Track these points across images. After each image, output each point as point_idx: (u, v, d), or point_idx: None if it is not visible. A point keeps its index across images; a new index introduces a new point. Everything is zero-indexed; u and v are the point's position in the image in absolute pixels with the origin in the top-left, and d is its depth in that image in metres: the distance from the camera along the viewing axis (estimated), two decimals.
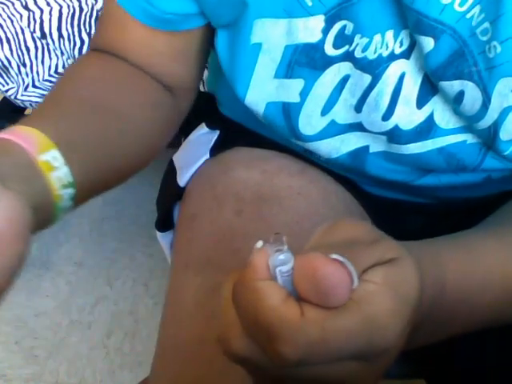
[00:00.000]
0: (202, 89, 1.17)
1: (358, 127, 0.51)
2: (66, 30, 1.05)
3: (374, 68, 0.47)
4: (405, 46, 0.46)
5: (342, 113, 0.50)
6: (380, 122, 0.49)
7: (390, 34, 0.45)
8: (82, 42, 1.05)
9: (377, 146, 0.52)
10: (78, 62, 0.57)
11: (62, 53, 1.06)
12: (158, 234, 0.66)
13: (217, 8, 0.48)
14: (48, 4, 1.06)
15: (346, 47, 0.47)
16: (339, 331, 0.29)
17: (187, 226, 0.58)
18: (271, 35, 0.47)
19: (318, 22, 0.45)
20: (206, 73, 1.17)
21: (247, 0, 0.46)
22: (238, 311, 0.31)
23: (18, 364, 1.18)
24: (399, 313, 0.31)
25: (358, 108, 0.49)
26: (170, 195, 0.64)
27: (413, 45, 0.46)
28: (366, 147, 0.52)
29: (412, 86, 0.47)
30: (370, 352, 0.30)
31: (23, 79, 1.08)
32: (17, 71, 1.08)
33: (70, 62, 1.07)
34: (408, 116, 0.49)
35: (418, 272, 0.33)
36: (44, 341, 1.22)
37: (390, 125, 0.49)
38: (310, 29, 0.46)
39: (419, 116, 0.49)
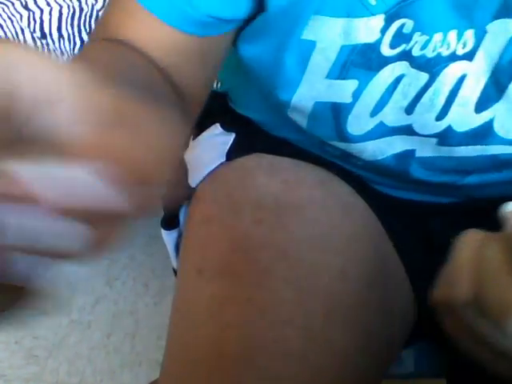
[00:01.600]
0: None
1: (407, 130, 0.50)
2: (66, 30, 1.05)
3: (432, 67, 0.46)
4: (468, 48, 0.45)
5: (391, 115, 0.49)
6: (433, 123, 0.48)
7: (452, 35, 0.45)
8: (82, 41, 1.05)
9: (424, 150, 0.51)
10: (85, 50, 0.50)
11: (62, 53, 1.06)
12: (163, 231, 0.65)
13: None
14: (48, 4, 1.06)
15: (403, 46, 0.46)
16: None
17: (200, 230, 0.57)
18: (327, 34, 0.46)
19: (379, 21, 0.45)
20: None
21: None
22: (484, 282, 0.29)
23: (17, 364, 1.18)
24: None
25: (410, 109, 0.49)
26: (180, 195, 0.63)
27: (477, 46, 0.45)
28: (413, 151, 0.52)
29: (472, 89, 0.46)
30: None
31: None
32: None
33: None
34: (463, 117, 0.48)
35: None
36: (44, 341, 1.22)
37: (443, 125, 0.48)
38: (370, 29, 0.45)
39: (476, 120, 0.48)
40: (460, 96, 0.47)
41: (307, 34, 0.46)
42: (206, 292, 0.51)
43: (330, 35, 0.46)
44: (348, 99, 0.49)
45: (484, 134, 0.48)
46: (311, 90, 0.49)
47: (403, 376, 0.66)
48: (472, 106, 0.47)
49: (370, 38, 0.45)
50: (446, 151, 0.50)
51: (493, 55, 0.45)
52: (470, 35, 0.45)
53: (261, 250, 0.52)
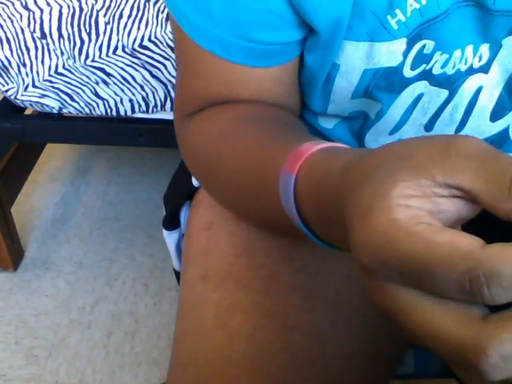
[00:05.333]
0: None
1: None
2: (66, 29, 1.05)
3: (452, 83, 0.47)
4: (484, 61, 0.46)
5: (411, 133, 0.50)
6: None
7: (469, 49, 0.45)
8: (82, 41, 1.05)
9: None
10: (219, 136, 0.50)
11: (62, 53, 1.06)
12: (165, 232, 0.64)
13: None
14: (48, 4, 1.06)
15: (423, 66, 0.46)
16: None
17: (203, 236, 0.56)
18: (350, 58, 0.46)
19: (401, 45, 0.45)
20: None
21: (342, 18, 0.44)
22: None
23: (17, 364, 1.18)
24: None
25: (429, 126, 0.49)
26: (182, 193, 0.63)
27: (492, 59, 0.46)
28: None
29: (488, 100, 0.47)
30: None
31: (23, 79, 1.08)
32: (17, 71, 1.08)
33: (70, 62, 1.07)
34: (479, 127, 0.48)
35: None
36: (44, 341, 1.22)
37: None
38: (392, 53, 0.45)
39: (491, 129, 0.49)
40: (477, 107, 0.48)
41: (336, 58, 0.47)
42: (211, 299, 0.51)
43: (352, 59, 0.46)
44: (372, 116, 0.50)
45: (500, 141, 0.49)
46: (340, 108, 0.51)
47: (403, 376, 0.66)
48: (487, 116, 0.48)
49: (393, 62, 0.46)
50: None
51: (508, 66, 0.46)
52: (485, 49, 0.45)
53: (265, 255, 0.52)
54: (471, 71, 0.46)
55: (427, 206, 0.26)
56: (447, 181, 0.25)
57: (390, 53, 0.45)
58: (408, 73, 0.47)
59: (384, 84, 0.47)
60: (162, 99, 1.14)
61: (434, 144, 0.27)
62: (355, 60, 0.46)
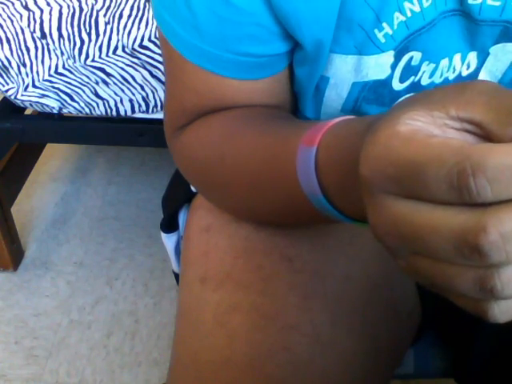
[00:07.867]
0: None
1: None
2: (66, 29, 1.05)
3: None
4: (472, 69, 0.46)
5: None
6: None
7: (457, 58, 0.46)
8: (82, 41, 1.05)
9: None
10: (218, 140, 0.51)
11: (62, 53, 1.06)
12: (163, 235, 0.65)
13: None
14: (48, 4, 1.06)
15: (412, 78, 0.47)
16: None
17: (202, 238, 0.56)
18: (339, 71, 0.47)
19: (389, 57, 0.45)
20: None
21: (327, 33, 0.45)
22: None
23: (18, 364, 1.18)
24: None
25: None
26: (180, 197, 0.63)
27: (480, 67, 0.46)
28: None
29: None
30: None
31: (23, 79, 1.08)
32: (17, 71, 1.08)
33: (70, 62, 1.07)
34: None
35: None
36: (44, 341, 1.22)
37: None
38: (381, 65, 0.46)
39: None
40: None
41: (325, 71, 0.48)
42: (211, 301, 0.51)
43: (341, 72, 0.47)
44: None
45: None
46: (333, 117, 0.51)
47: (403, 376, 0.66)
48: None
49: (381, 75, 0.46)
50: None
51: (496, 74, 0.47)
52: (472, 56, 0.46)
53: (264, 255, 0.52)
54: (460, 79, 0.47)
55: (434, 130, 0.27)
56: (460, 114, 0.26)
57: (378, 66, 0.46)
58: (397, 85, 0.47)
59: (373, 97, 0.48)
60: (162, 99, 1.14)
61: (451, 85, 0.28)
62: (344, 73, 0.47)
